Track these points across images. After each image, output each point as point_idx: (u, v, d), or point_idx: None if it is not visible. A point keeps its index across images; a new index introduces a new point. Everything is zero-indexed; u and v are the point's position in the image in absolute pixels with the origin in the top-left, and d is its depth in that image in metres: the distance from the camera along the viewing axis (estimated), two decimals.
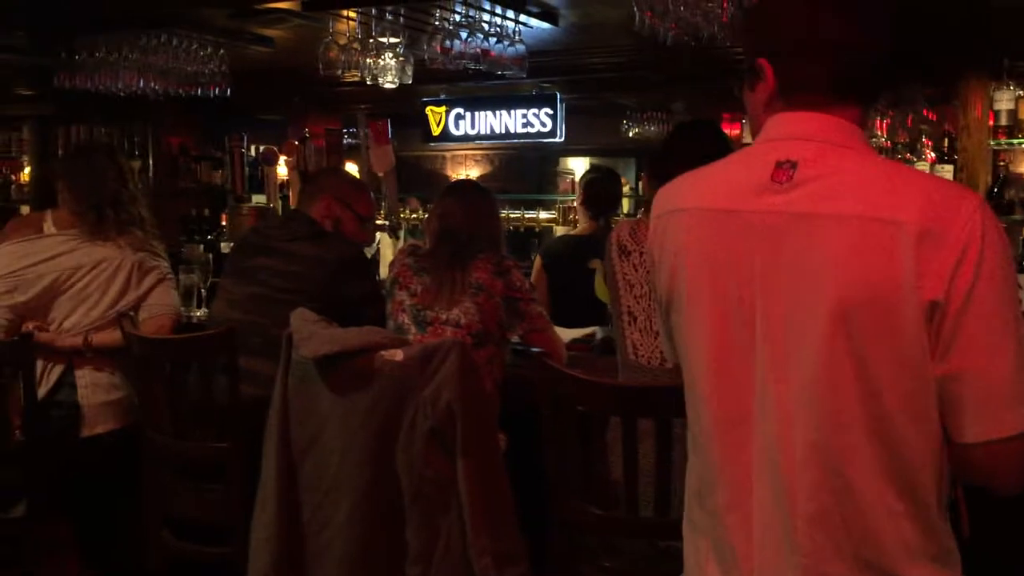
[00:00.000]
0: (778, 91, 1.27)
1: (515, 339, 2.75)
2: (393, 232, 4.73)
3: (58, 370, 2.82)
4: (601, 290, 3.04)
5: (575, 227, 5.28)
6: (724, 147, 2.37)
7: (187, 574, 2.61)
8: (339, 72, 4.02)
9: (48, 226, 2.94)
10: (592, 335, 3.21)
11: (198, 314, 3.76)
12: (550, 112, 5.86)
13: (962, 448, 1.16)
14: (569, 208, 5.48)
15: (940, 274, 1.10)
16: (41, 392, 2.76)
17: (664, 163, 2.40)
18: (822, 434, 1.16)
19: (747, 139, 4.97)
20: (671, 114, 6.03)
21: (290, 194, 6.66)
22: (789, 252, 1.18)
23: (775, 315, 1.20)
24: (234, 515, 2.42)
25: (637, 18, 3.03)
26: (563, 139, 5.97)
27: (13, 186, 7.94)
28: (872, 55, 1.26)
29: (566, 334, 3.07)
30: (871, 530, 1.16)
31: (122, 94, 4.69)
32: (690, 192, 1.33)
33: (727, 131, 4.72)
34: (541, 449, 2.09)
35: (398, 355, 2.18)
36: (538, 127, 5.94)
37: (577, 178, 7.68)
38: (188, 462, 2.56)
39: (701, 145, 2.31)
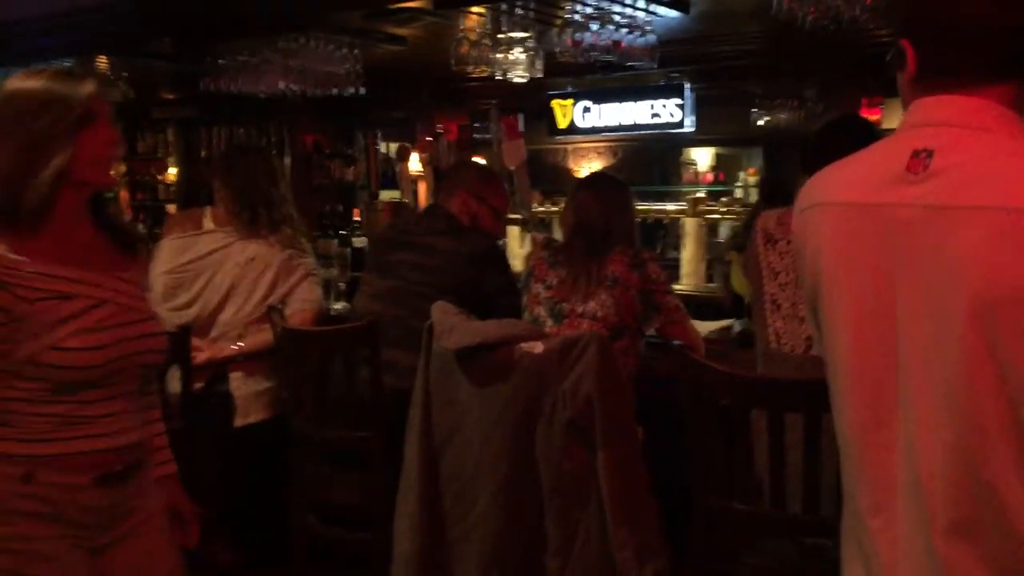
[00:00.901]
0: (919, 73, 1.21)
1: (650, 332, 2.73)
2: (525, 226, 4.76)
3: None
4: (738, 282, 2.99)
5: (703, 219, 5.21)
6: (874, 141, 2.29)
7: (331, 558, 2.69)
8: (470, 68, 4.07)
9: (207, 222, 3.10)
10: (729, 328, 3.16)
11: (337, 307, 3.88)
12: (679, 102, 5.77)
13: None
14: (698, 200, 5.39)
15: None
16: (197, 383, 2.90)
17: (816, 159, 2.34)
18: (961, 437, 1.09)
19: (888, 125, 4.79)
20: (803, 101, 5.85)
21: (418, 189, 6.81)
22: (925, 247, 1.12)
23: (913, 314, 1.14)
24: (377, 502, 2.49)
25: (775, 3, 2.95)
26: (693, 129, 5.88)
27: (160, 186, 8.38)
28: (1017, 30, 1.17)
29: (702, 327, 3.03)
30: (1018, 540, 1.08)
31: (262, 96, 4.87)
32: (829, 186, 1.29)
33: (866, 116, 4.56)
34: (677, 442, 2.08)
35: (537, 347, 2.20)
36: (666, 117, 5.86)
37: (701, 168, 7.57)
38: (333, 451, 2.64)
39: (854, 140, 2.24)
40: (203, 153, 7.95)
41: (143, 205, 8.44)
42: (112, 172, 1.66)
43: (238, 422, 2.93)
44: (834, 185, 1.28)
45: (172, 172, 8.24)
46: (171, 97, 7.51)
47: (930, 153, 1.14)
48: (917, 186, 1.14)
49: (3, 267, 1.53)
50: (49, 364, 1.53)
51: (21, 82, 1.61)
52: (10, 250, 1.55)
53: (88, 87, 1.61)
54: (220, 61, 4.79)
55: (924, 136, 1.17)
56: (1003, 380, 1.06)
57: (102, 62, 5.38)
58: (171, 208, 7.92)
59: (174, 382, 2.77)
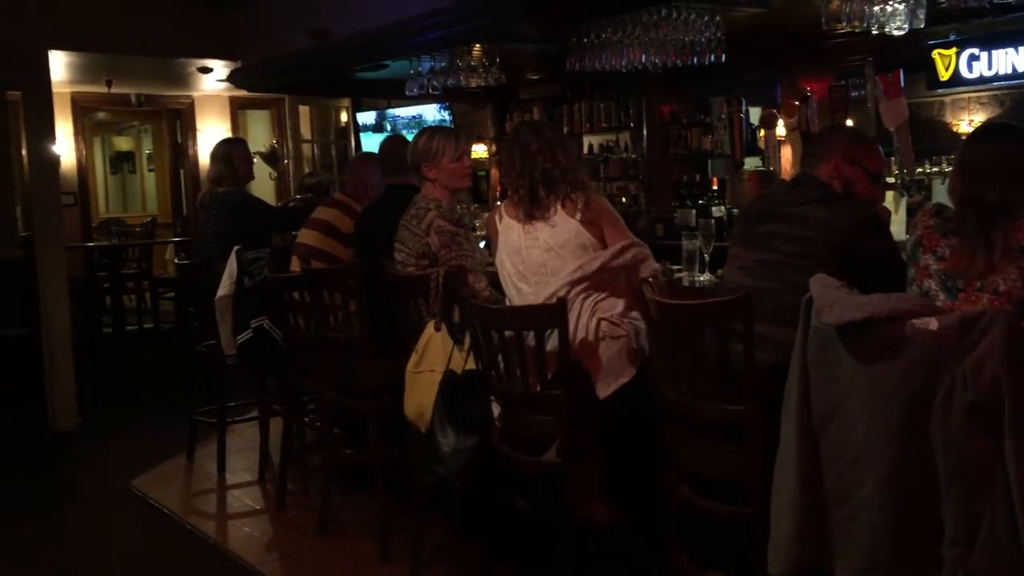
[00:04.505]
0: None
1: None
2: (904, 190, 4.43)
3: None
4: None
5: None
6: None
7: (705, 529, 2.71)
8: (843, 24, 3.84)
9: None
10: None
11: (702, 279, 3.87)
12: None
13: None
14: None
15: None
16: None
17: None
18: None
19: None
20: None
21: (781, 156, 6.57)
22: None
23: None
24: (753, 477, 2.47)
25: None
26: None
27: None
28: None
29: None
30: None
31: (624, 70, 4.97)
32: None
33: None
34: None
35: (932, 323, 2.04)
36: None
37: None
38: (705, 422, 2.65)
39: None
40: (565, 129, 8.28)
41: None
42: None
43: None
44: None
45: None
46: (536, 77, 7.89)
47: None
48: None
49: None
50: None
51: None
52: None
53: None
54: (584, 40, 4.95)
55: None
56: None
57: (477, 50, 5.79)
58: None
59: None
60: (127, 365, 8.17)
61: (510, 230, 3.35)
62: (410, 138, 4.04)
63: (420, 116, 9.46)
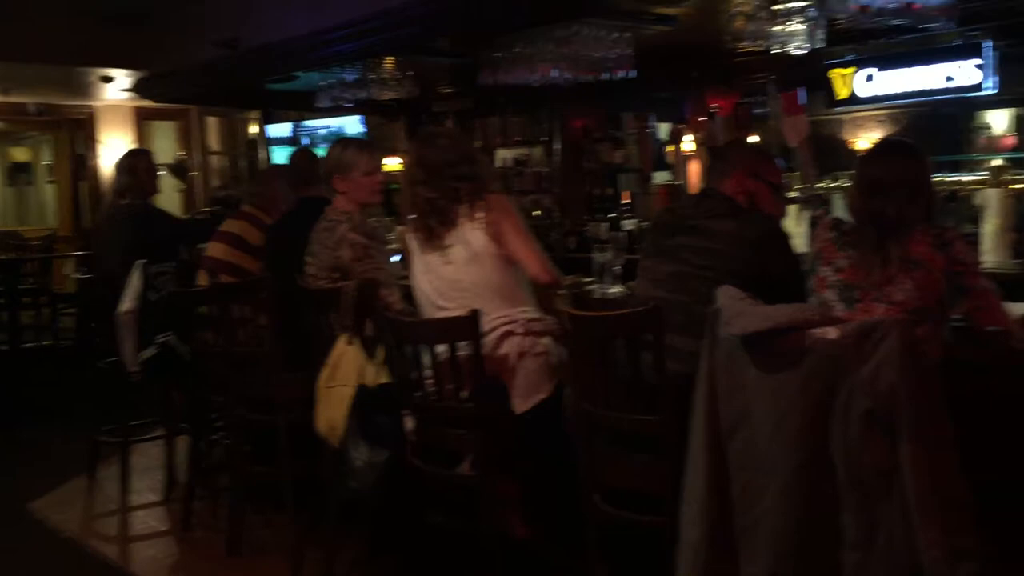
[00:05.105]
0: None
1: (956, 316, 2.53)
2: (808, 204, 4.57)
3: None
4: None
5: (1007, 189, 4.74)
6: None
7: (621, 538, 2.73)
8: (746, 43, 3.95)
9: None
10: None
11: (613, 291, 3.92)
12: (978, 63, 5.28)
13: None
14: (1001, 168, 4.92)
15: None
16: None
17: None
18: None
19: None
20: None
21: (689, 171, 6.72)
22: None
23: None
24: (666, 487, 2.50)
25: None
26: (996, 91, 5.35)
27: None
28: None
29: (1013, 310, 2.76)
30: None
31: (536, 85, 5.01)
32: None
33: None
34: (993, 436, 1.91)
35: (831, 333, 2.11)
36: (962, 81, 5.38)
37: (996, 133, 6.86)
38: (618, 433, 2.68)
39: None
40: (478, 143, 8.31)
41: None
42: None
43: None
44: None
45: None
46: (449, 91, 7.89)
47: None
48: None
49: None
50: None
51: None
52: None
53: None
54: (496, 54, 4.98)
55: None
56: None
57: (389, 63, 5.77)
58: None
59: None
60: (25, 383, 7.85)
61: (419, 247, 3.30)
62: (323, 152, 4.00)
63: (341, 129, 9.28)
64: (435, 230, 3.21)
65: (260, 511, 4.11)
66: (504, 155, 8.50)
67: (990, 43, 5.25)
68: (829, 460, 2.10)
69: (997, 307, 2.47)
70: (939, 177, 5.44)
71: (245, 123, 11.27)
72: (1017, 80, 5.91)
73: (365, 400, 3.08)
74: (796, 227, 5.13)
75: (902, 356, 1.99)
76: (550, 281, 3.16)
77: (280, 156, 9.53)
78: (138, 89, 7.53)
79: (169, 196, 10.16)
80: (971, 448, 2.07)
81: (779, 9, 3.81)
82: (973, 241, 4.69)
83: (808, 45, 3.86)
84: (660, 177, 7.59)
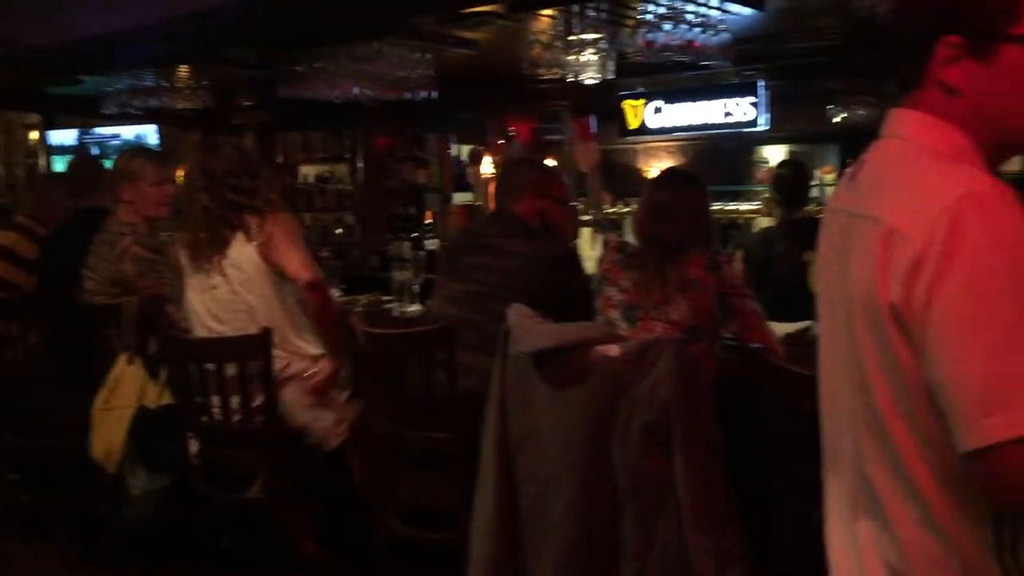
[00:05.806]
0: None
1: (727, 335, 2.70)
2: (597, 227, 4.76)
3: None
4: (815, 281, 2.93)
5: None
6: None
7: (411, 557, 2.73)
8: (542, 71, 4.08)
9: None
10: (807, 330, 3.10)
11: (411, 310, 3.93)
12: (753, 100, 5.70)
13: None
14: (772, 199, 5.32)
15: (898, 276, 1.02)
16: None
17: None
18: (850, 429, 1.16)
19: None
20: (883, 98, 5.72)
21: (488, 191, 6.84)
22: (847, 251, 1.15)
23: (831, 311, 1.20)
24: (456, 502, 2.52)
25: None
26: (768, 127, 5.80)
27: None
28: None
29: (780, 328, 2.98)
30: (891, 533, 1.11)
31: (337, 101, 4.96)
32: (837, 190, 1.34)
33: None
34: (756, 447, 2.05)
35: (613, 350, 2.20)
36: (739, 116, 5.80)
37: (772, 166, 7.45)
38: (411, 451, 2.67)
39: None
40: (279, 158, 8.11)
41: None
42: None
43: None
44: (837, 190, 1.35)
45: None
46: (248, 103, 7.67)
47: (862, 162, 1.20)
48: (850, 192, 1.21)
49: None
50: None
51: None
52: None
53: None
54: (297, 68, 4.89)
55: (871, 146, 1.22)
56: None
57: (183, 71, 5.54)
58: None
59: None
60: None
61: (191, 265, 3.05)
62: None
63: (137, 138, 8.58)
64: (206, 248, 2.98)
65: (25, 541, 3.81)
66: (307, 172, 8.34)
67: (763, 82, 5.68)
68: (612, 474, 2.18)
69: (763, 327, 2.67)
70: (719, 205, 5.82)
71: (25, 128, 10.48)
72: (791, 119, 6.44)
73: (145, 423, 2.94)
74: (590, 250, 5.33)
75: (676, 372, 2.10)
76: (310, 279, 2.93)
77: (63, 165, 8.88)
78: None
79: None
80: (738, 458, 2.21)
81: (573, 40, 3.96)
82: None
83: (600, 75, 4.04)
84: (460, 198, 7.69)
